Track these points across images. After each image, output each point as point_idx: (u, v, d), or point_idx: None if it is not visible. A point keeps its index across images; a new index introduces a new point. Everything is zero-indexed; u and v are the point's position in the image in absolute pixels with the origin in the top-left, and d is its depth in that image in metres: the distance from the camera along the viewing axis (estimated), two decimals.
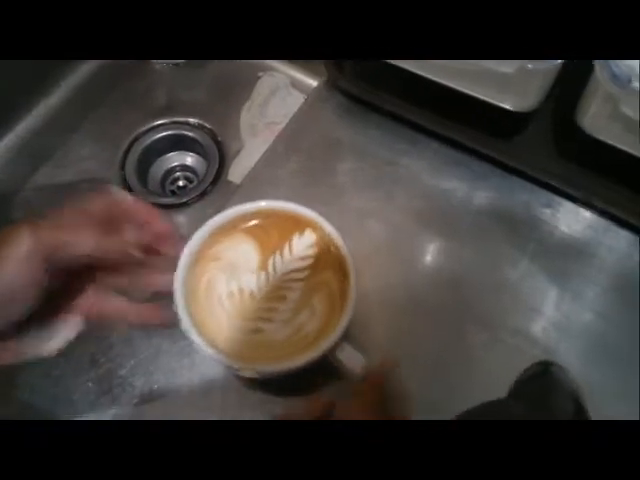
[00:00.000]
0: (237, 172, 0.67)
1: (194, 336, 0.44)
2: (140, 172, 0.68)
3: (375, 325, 0.53)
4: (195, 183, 0.69)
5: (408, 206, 0.60)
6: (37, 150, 0.67)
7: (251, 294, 0.46)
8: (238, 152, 0.68)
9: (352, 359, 0.45)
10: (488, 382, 0.48)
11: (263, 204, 0.49)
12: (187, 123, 0.70)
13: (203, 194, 0.66)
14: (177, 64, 0.72)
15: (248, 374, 0.46)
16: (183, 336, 0.43)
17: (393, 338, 0.53)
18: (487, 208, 0.58)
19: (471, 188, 0.60)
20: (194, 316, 0.45)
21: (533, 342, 0.52)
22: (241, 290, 0.47)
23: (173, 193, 0.70)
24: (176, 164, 0.71)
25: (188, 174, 0.71)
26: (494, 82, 0.50)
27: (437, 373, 0.51)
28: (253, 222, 0.49)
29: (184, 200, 0.65)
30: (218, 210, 0.56)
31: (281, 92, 0.70)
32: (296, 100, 0.70)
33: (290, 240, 0.48)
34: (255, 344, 0.45)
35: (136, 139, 0.69)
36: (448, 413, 0.36)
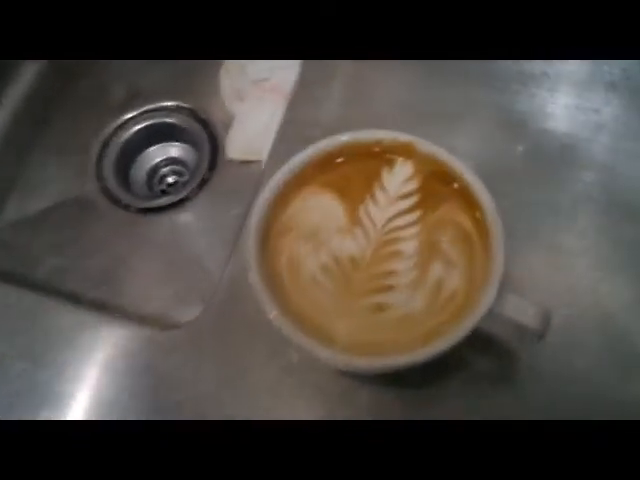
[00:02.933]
0: (236, 147, 0.54)
1: (300, 339, 0.29)
2: (120, 178, 0.55)
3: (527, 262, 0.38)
4: (187, 175, 0.56)
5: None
6: None
7: (352, 260, 0.32)
8: (228, 125, 0.55)
9: (526, 311, 0.31)
10: None
11: (324, 143, 0.35)
12: (160, 109, 0.56)
13: (202, 184, 0.53)
14: None
15: (385, 370, 0.32)
16: None
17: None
18: None
19: None
20: (288, 312, 0.31)
21: None
22: (337, 259, 0.32)
23: (164, 192, 0.56)
24: (159, 159, 0.58)
25: (176, 167, 0.58)
26: None
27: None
28: (322, 170, 0.36)
29: (182, 196, 0.52)
30: (229, 196, 0.48)
31: None
32: None
33: (378, 177, 0.34)
34: (384, 326, 0.31)
35: (106, 143, 0.55)
36: None
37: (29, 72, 0.59)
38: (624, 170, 0.42)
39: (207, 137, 0.55)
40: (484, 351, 0.36)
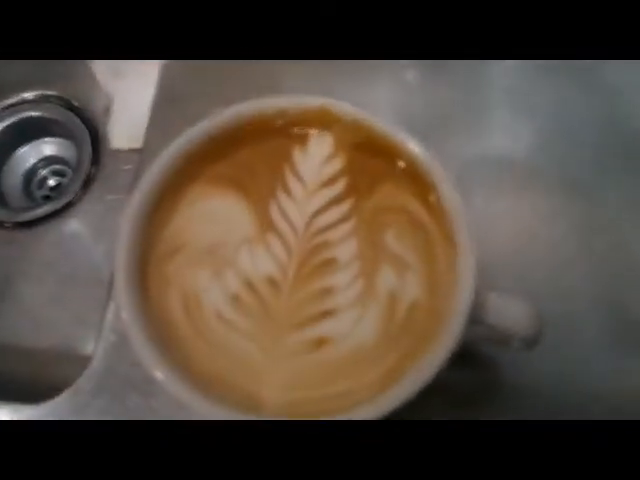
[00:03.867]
0: (122, 133, 0.46)
1: (209, 409, 0.20)
2: None
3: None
4: (71, 174, 0.47)
5: None
6: None
7: (271, 283, 0.23)
8: (109, 109, 0.46)
9: (514, 312, 0.22)
10: None
11: (209, 123, 0.25)
12: (23, 102, 0.47)
13: (88, 183, 0.44)
14: None
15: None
16: None
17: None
18: None
19: None
20: (188, 371, 0.21)
21: None
22: (249, 284, 0.23)
23: (48, 198, 0.47)
24: (34, 161, 0.48)
25: (56, 167, 0.49)
26: None
27: None
28: (212, 159, 0.25)
29: (66, 201, 0.43)
30: (121, 192, 0.41)
31: None
32: None
33: (290, 161, 0.24)
34: (327, 370, 0.22)
35: None
36: None
37: None
38: None
39: (85, 127, 0.46)
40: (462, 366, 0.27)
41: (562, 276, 0.33)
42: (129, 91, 0.46)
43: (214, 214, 0.25)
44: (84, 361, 0.34)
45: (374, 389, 0.22)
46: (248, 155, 0.26)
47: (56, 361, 0.35)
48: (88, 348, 0.35)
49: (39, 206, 0.44)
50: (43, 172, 0.48)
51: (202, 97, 0.39)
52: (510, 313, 0.24)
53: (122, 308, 0.23)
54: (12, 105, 0.47)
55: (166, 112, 0.42)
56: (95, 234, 0.43)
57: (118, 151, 0.44)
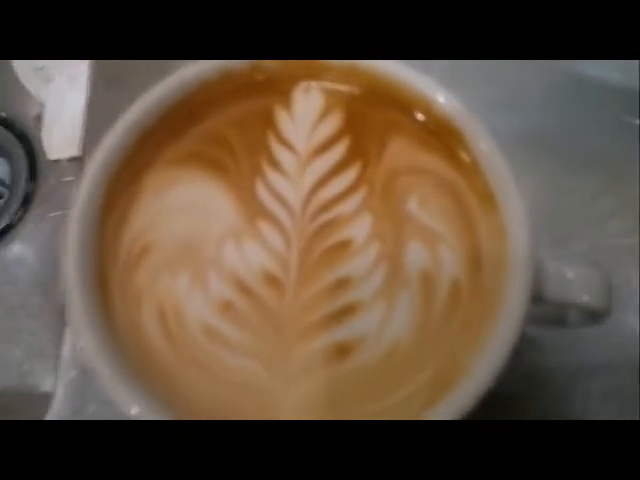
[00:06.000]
0: (57, 144, 0.41)
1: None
2: None
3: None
4: (7, 194, 0.42)
5: None
6: None
7: (270, 280, 0.17)
8: (40, 117, 0.42)
9: (586, 283, 0.17)
10: None
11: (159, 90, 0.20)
12: None
13: (27, 201, 0.40)
14: None
15: None
16: None
17: None
18: None
19: None
20: (177, 408, 0.15)
21: None
22: (242, 286, 0.17)
23: None
24: None
25: None
26: None
27: None
28: (175, 134, 0.20)
29: (5, 223, 0.39)
30: (65, 208, 0.32)
31: None
32: None
33: (273, 125, 0.19)
34: (353, 385, 0.16)
35: None
36: None
37: None
38: None
39: (16, 140, 0.42)
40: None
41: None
42: (59, 95, 0.41)
43: (185, 203, 0.20)
44: (46, 400, 0.29)
45: (420, 402, 0.17)
46: (218, 124, 0.21)
47: (13, 403, 0.30)
48: (48, 385, 0.31)
49: None
50: None
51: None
52: (580, 284, 0.18)
53: (81, 336, 0.18)
54: None
55: (102, 114, 0.37)
56: (42, 256, 0.39)
57: (56, 162, 0.40)
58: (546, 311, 0.21)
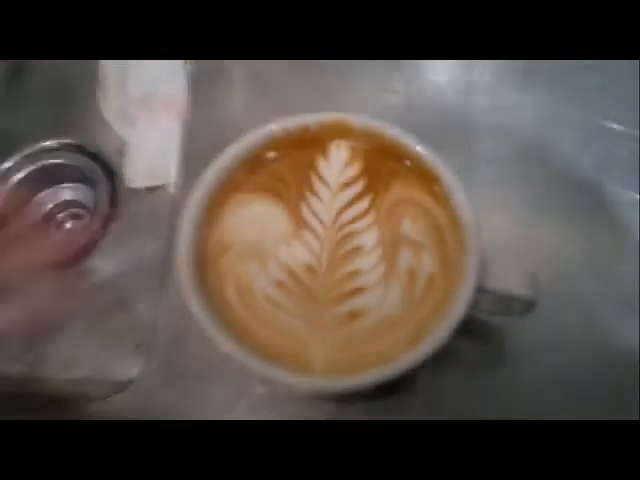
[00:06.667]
0: (137, 173, 0.48)
1: (271, 371, 0.25)
2: None
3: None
4: (87, 218, 0.50)
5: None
6: None
7: (309, 269, 0.28)
8: (123, 153, 0.49)
9: (515, 280, 0.28)
10: None
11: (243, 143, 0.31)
12: (42, 151, 0.50)
13: (106, 223, 0.47)
14: None
15: (376, 385, 0.28)
16: None
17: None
18: None
19: None
20: (248, 344, 0.27)
21: None
22: (290, 271, 0.28)
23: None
24: (51, 205, 0.51)
25: (73, 210, 0.51)
26: None
27: None
28: (250, 172, 0.32)
29: (87, 240, 0.47)
30: (140, 230, 0.43)
31: (136, 65, 0.51)
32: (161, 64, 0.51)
33: (315, 168, 0.30)
34: (363, 335, 0.27)
35: None
36: None
37: None
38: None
39: (102, 170, 0.49)
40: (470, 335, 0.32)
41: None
42: (141, 135, 0.49)
43: (256, 217, 0.31)
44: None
45: (400, 349, 0.27)
46: (279, 166, 0.32)
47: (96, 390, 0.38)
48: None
49: None
50: (60, 216, 0.51)
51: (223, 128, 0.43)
52: (509, 279, 0.29)
53: (188, 300, 0.28)
54: (31, 154, 0.50)
55: (173, 152, 0.46)
56: (118, 273, 0.44)
57: (134, 191, 0.47)
58: (492, 301, 0.32)
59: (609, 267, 0.37)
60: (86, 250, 0.45)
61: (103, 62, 0.50)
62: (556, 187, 0.39)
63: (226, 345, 0.27)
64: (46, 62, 0.53)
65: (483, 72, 0.43)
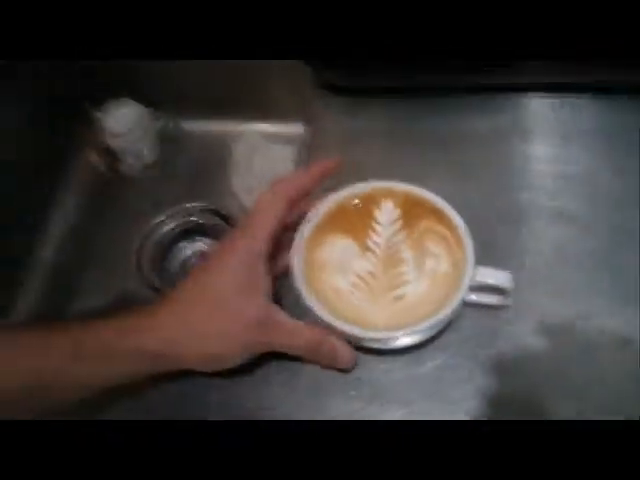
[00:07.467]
0: None
1: (355, 329, 0.45)
2: (157, 270, 0.69)
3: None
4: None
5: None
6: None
7: (372, 275, 0.49)
8: (243, 210, 0.70)
9: (496, 276, 0.48)
10: None
11: (327, 203, 0.53)
12: (183, 211, 0.72)
13: None
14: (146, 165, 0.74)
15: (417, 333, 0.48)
16: None
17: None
18: None
19: None
20: (339, 317, 0.47)
21: None
22: (361, 278, 0.49)
23: None
24: (189, 253, 0.72)
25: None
26: None
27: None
28: (335, 219, 0.53)
29: None
30: None
31: (260, 150, 0.74)
32: (277, 152, 0.74)
33: (372, 215, 0.51)
34: (406, 308, 0.47)
35: (142, 244, 0.70)
36: None
37: (70, 203, 0.75)
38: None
39: (228, 229, 0.70)
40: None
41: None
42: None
43: (340, 246, 0.52)
44: None
45: (427, 317, 0.48)
46: (351, 216, 0.53)
47: None
48: None
49: None
50: (194, 261, 0.72)
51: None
52: (492, 274, 0.49)
53: (300, 294, 0.49)
54: (177, 213, 0.72)
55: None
56: None
57: None
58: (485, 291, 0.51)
59: None
60: None
61: (235, 147, 0.72)
62: None
63: (324, 318, 0.47)
64: (193, 145, 0.75)
65: None
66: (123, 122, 0.72)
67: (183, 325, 0.45)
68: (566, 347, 0.50)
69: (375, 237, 0.51)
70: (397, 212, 0.52)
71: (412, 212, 0.52)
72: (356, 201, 0.53)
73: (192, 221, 0.72)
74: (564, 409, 0.47)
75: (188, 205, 0.72)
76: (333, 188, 0.52)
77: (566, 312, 0.51)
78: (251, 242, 0.47)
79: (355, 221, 0.52)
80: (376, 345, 0.50)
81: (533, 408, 0.48)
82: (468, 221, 0.49)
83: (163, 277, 0.69)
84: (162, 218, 0.72)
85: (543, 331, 0.51)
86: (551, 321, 0.51)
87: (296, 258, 0.50)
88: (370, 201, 0.53)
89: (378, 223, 0.52)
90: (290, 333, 0.47)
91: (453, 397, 0.50)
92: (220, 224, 0.71)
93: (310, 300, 0.48)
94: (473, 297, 0.50)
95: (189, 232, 0.72)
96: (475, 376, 0.50)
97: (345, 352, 0.49)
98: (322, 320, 0.47)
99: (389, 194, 0.53)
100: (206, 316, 0.45)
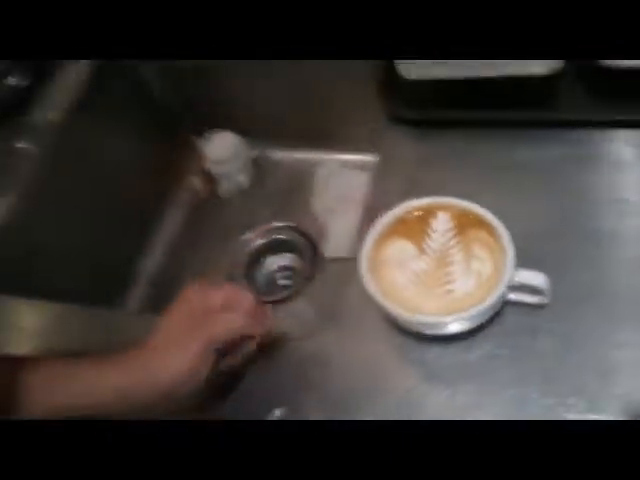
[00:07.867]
0: (332, 246, 0.81)
1: (411, 317, 0.55)
2: (248, 279, 0.80)
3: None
4: (295, 277, 0.81)
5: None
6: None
7: (426, 273, 0.58)
8: (322, 233, 0.81)
9: (533, 277, 0.56)
10: None
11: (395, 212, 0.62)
12: (270, 229, 0.82)
13: (308, 279, 0.78)
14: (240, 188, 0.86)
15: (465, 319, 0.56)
16: None
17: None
18: None
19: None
20: (398, 307, 0.56)
21: None
22: (416, 274, 0.58)
23: (285, 287, 0.81)
24: (275, 267, 0.83)
25: (287, 273, 0.83)
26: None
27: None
28: (398, 225, 0.62)
29: (294, 290, 0.77)
30: (331, 289, 0.70)
31: (336, 175, 0.86)
32: (352, 178, 0.85)
33: (429, 224, 0.60)
34: (455, 301, 0.56)
35: (234, 259, 0.81)
36: None
37: (172, 220, 0.87)
38: None
39: (309, 245, 0.80)
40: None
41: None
42: (336, 220, 0.81)
43: (400, 248, 0.61)
44: None
45: (472, 306, 0.56)
46: (411, 224, 0.63)
47: None
48: None
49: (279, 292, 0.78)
50: (278, 274, 0.82)
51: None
52: (529, 276, 0.57)
53: (366, 286, 0.59)
54: (265, 230, 0.82)
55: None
56: (315, 310, 0.75)
57: (331, 258, 0.76)
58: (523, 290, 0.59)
59: None
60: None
61: (316, 173, 0.82)
62: None
63: (386, 307, 0.57)
64: (280, 172, 0.87)
65: None
66: (223, 151, 0.85)
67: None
68: None
69: (430, 242, 0.60)
70: (451, 223, 0.61)
71: (463, 223, 0.61)
72: (417, 212, 0.62)
73: (278, 238, 0.82)
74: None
75: (275, 224, 0.82)
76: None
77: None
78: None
79: (414, 228, 0.61)
80: (428, 331, 0.59)
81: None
82: (513, 233, 0.58)
83: (252, 286, 0.80)
84: (252, 235, 0.82)
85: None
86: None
87: (364, 255, 0.60)
88: (429, 212, 0.62)
89: (434, 231, 0.61)
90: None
91: (495, 382, 0.57)
92: (301, 240, 0.80)
93: (375, 291, 0.57)
94: (512, 296, 0.58)
95: (275, 247, 0.82)
96: (515, 365, 0.57)
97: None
98: (383, 306, 0.56)
99: (445, 207, 0.62)
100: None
